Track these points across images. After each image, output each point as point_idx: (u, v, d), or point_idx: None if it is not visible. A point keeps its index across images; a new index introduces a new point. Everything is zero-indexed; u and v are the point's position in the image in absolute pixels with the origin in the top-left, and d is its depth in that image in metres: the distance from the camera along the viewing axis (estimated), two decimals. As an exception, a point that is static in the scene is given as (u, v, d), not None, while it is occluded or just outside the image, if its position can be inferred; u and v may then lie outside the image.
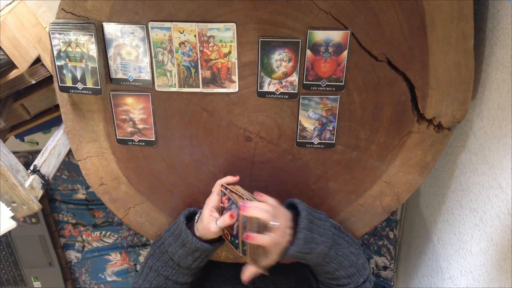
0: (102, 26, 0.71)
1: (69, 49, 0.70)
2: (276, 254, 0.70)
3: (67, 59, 0.71)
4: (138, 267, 1.39)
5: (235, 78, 0.74)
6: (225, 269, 0.93)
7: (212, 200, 0.77)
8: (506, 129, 0.65)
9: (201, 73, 0.74)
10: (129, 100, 0.77)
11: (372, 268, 1.28)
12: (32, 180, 0.81)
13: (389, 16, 0.68)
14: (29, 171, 0.82)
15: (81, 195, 1.27)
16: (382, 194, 0.82)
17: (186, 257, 0.78)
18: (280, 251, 0.70)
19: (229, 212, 0.71)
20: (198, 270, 0.83)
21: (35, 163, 0.84)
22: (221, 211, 0.76)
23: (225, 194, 0.74)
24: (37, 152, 0.94)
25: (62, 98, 0.78)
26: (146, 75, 0.74)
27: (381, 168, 0.80)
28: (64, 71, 0.72)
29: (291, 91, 0.74)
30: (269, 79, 0.74)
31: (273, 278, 0.89)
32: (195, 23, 0.70)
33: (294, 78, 0.73)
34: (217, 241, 0.80)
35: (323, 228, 0.74)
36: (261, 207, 0.68)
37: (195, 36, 0.71)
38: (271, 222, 0.68)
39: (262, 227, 0.69)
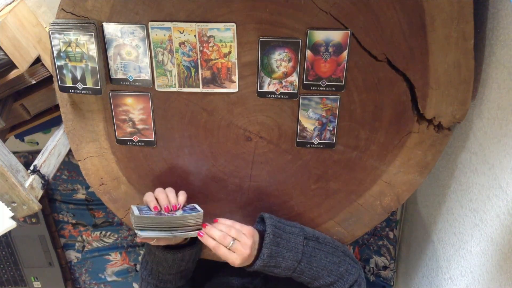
0: (102, 26, 0.71)
1: (69, 49, 0.70)
2: (237, 262, 0.72)
3: (67, 59, 0.71)
4: (138, 267, 1.39)
5: (235, 78, 0.74)
6: (226, 268, 0.94)
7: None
8: (506, 129, 0.65)
9: (201, 73, 0.74)
10: (129, 100, 0.77)
11: (372, 268, 1.28)
12: (32, 180, 0.81)
13: (389, 16, 0.68)
14: (29, 171, 0.82)
15: (81, 195, 1.27)
16: (382, 194, 0.82)
17: (161, 264, 0.79)
18: (242, 262, 0.72)
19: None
20: (187, 273, 0.84)
21: (35, 163, 0.84)
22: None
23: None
24: (37, 152, 0.94)
25: (62, 98, 0.78)
26: (146, 75, 0.74)
27: (381, 168, 0.80)
28: (64, 71, 0.72)
29: (291, 91, 0.74)
30: (269, 79, 0.74)
31: (273, 279, 0.89)
32: (195, 23, 0.70)
33: (294, 78, 0.73)
34: (189, 245, 0.81)
35: (293, 242, 0.76)
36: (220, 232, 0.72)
37: (195, 36, 0.71)
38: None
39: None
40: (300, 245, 0.76)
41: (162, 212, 0.74)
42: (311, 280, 0.78)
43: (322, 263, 0.77)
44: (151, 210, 0.74)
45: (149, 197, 0.76)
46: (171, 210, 0.74)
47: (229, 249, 0.71)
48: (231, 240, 0.71)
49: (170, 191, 0.77)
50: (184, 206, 0.77)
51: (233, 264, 0.72)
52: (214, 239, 0.72)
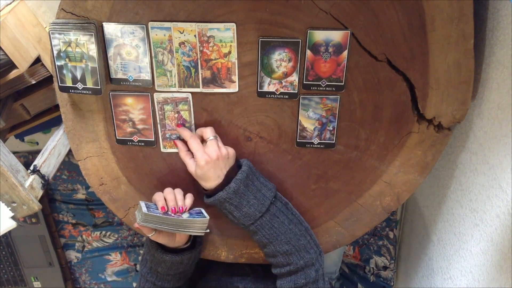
0: (102, 26, 0.71)
1: (69, 49, 0.70)
2: (202, 162, 0.72)
3: (67, 59, 0.71)
4: (138, 267, 1.39)
5: (235, 78, 0.74)
6: (217, 268, 0.94)
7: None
8: (506, 129, 0.65)
9: (201, 73, 0.74)
10: (129, 100, 0.77)
11: (372, 268, 1.28)
12: (32, 180, 0.81)
13: (389, 16, 0.68)
14: (29, 171, 0.82)
15: (81, 195, 1.27)
16: (382, 194, 0.82)
17: (159, 265, 0.79)
18: (200, 173, 0.72)
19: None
20: (185, 274, 0.84)
21: (35, 163, 0.84)
22: None
23: None
24: (37, 152, 0.94)
25: (62, 98, 0.78)
26: (146, 75, 0.74)
27: (381, 168, 0.80)
28: (64, 71, 0.72)
29: (291, 91, 0.74)
30: (269, 79, 0.74)
31: (263, 279, 0.89)
32: (195, 23, 0.70)
33: (294, 78, 0.73)
34: (188, 249, 0.81)
35: (262, 193, 0.74)
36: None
37: (195, 36, 0.71)
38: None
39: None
40: (268, 199, 0.74)
41: (169, 212, 0.74)
42: (267, 241, 0.75)
43: (284, 227, 0.75)
44: (158, 209, 0.74)
45: (158, 196, 0.76)
46: (178, 212, 0.74)
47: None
48: (211, 135, 0.73)
49: (178, 192, 0.77)
50: (190, 209, 0.77)
51: (197, 162, 0.72)
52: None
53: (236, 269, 0.91)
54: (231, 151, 0.75)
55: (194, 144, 0.73)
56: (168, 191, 0.77)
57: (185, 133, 0.76)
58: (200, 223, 0.74)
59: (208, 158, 0.71)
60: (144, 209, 0.72)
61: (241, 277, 0.89)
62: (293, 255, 0.75)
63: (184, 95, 0.75)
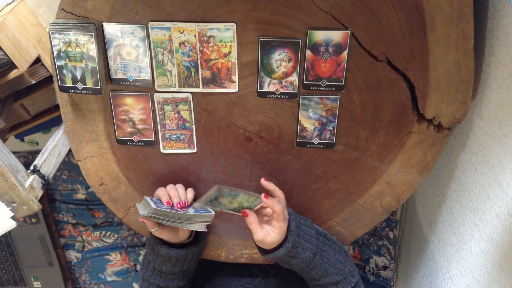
0: (102, 26, 0.71)
1: (69, 49, 0.70)
2: (279, 235, 0.71)
3: (67, 59, 0.71)
4: (138, 267, 1.39)
5: (235, 78, 0.74)
6: (225, 270, 0.94)
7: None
8: (506, 129, 0.65)
9: (201, 73, 0.74)
10: (129, 100, 0.77)
11: (372, 268, 1.28)
12: (32, 180, 0.81)
13: (389, 16, 0.68)
14: (29, 171, 0.82)
15: (81, 195, 1.27)
16: (382, 194, 0.82)
17: (164, 263, 0.79)
18: (270, 243, 0.72)
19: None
20: (188, 272, 0.84)
21: (35, 163, 0.84)
22: None
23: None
24: (37, 152, 0.94)
25: (62, 98, 0.78)
26: (146, 75, 0.74)
27: (381, 168, 0.80)
28: (64, 71, 0.72)
29: (291, 91, 0.74)
30: (269, 79, 0.74)
31: (273, 279, 0.89)
32: (195, 23, 0.70)
33: (294, 78, 0.73)
34: (192, 244, 0.81)
35: (308, 234, 0.76)
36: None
37: (195, 36, 0.71)
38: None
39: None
40: (314, 238, 0.76)
41: (175, 208, 0.75)
42: (319, 276, 0.77)
43: (331, 259, 0.77)
44: (163, 204, 0.75)
45: (162, 191, 0.78)
46: (183, 206, 0.76)
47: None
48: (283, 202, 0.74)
49: (180, 187, 0.79)
50: (192, 204, 0.79)
51: (278, 232, 0.71)
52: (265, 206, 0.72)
53: (245, 270, 0.92)
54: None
55: (281, 214, 0.71)
56: (170, 187, 0.78)
57: (277, 206, 0.72)
58: (206, 218, 0.75)
59: (287, 223, 0.72)
60: (153, 205, 0.72)
61: (251, 278, 0.90)
62: (341, 283, 0.78)
63: (184, 95, 0.75)
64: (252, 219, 0.72)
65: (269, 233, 0.72)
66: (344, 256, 0.79)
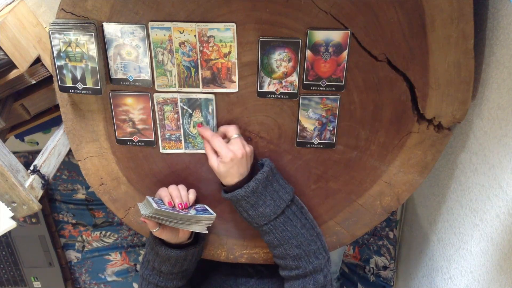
0: (102, 26, 0.71)
1: (69, 49, 0.70)
2: (227, 159, 0.72)
3: (67, 59, 0.71)
4: (138, 267, 1.39)
5: (235, 78, 0.74)
6: (220, 270, 0.94)
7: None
8: (506, 129, 0.65)
9: (201, 73, 0.74)
10: (129, 100, 0.77)
11: (372, 268, 1.28)
12: (32, 180, 0.81)
13: (389, 16, 0.68)
14: (29, 171, 0.82)
15: (81, 195, 1.27)
16: (382, 194, 0.82)
17: (164, 263, 0.79)
18: (224, 170, 0.72)
19: None
20: (188, 272, 0.84)
21: (35, 163, 0.84)
22: None
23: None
24: (37, 152, 0.94)
25: (62, 98, 0.78)
26: (146, 75, 0.74)
27: (381, 168, 0.80)
28: (64, 71, 0.72)
29: (291, 91, 0.74)
30: (269, 79, 0.74)
31: (268, 280, 0.89)
32: (195, 23, 0.70)
33: (294, 78, 0.73)
34: (191, 245, 0.81)
35: (279, 195, 0.75)
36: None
37: (195, 36, 0.71)
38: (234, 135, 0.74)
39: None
40: (284, 202, 0.75)
41: (176, 208, 0.75)
42: (278, 243, 0.76)
43: (296, 231, 0.75)
44: (165, 204, 0.76)
45: (163, 192, 0.78)
46: (184, 207, 0.76)
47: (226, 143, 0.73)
48: (235, 133, 0.74)
49: (182, 188, 0.79)
50: (194, 205, 0.79)
51: (223, 159, 0.71)
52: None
53: (240, 271, 0.92)
54: (251, 149, 0.76)
55: (218, 142, 0.73)
56: (173, 187, 0.78)
57: (207, 133, 0.75)
58: (207, 219, 0.76)
59: (233, 155, 0.71)
60: (155, 205, 0.73)
61: (245, 278, 0.90)
62: (302, 259, 0.76)
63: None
64: (205, 143, 0.75)
65: (218, 162, 0.73)
66: (312, 235, 0.77)
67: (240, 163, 0.72)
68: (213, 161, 0.74)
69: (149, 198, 0.76)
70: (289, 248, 0.76)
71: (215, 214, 0.77)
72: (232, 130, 0.75)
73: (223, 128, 0.76)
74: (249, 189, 0.72)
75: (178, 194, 0.77)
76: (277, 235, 0.75)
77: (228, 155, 0.71)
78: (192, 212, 0.76)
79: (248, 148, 0.74)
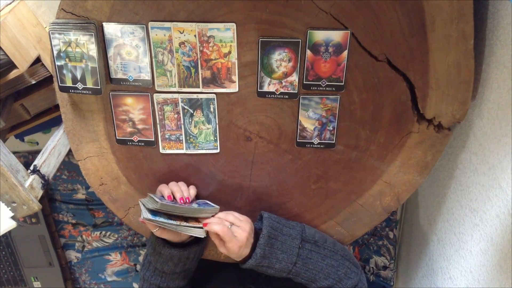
0: (102, 26, 0.71)
1: (69, 49, 0.70)
2: (236, 248, 0.73)
3: (67, 59, 0.71)
4: (138, 267, 1.39)
5: (235, 78, 0.74)
6: (227, 270, 0.94)
7: None
8: (506, 129, 0.65)
9: (201, 73, 0.74)
10: (129, 100, 0.77)
11: (372, 268, 1.28)
12: (32, 180, 0.81)
13: (389, 16, 0.68)
14: (29, 171, 0.82)
15: (81, 195, 1.27)
16: (382, 194, 0.82)
17: (166, 263, 0.79)
18: (236, 255, 0.74)
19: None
20: (189, 272, 0.84)
21: (35, 163, 0.84)
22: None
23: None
24: (37, 152, 0.94)
25: (62, 98, 0.78)
26: (146, 75, 0.74)
27: (381, 168, 0.80)
28: (64, 71, 0.72)
29: (291, 91, 0.74)
30: (269, 79, 0.74)
31: (276, 279, 0.89)
32: (195, 23, 0.70)
33: (294, 78, 0.73)
34: (195, 243, 0.81)
35: (288, 245, 0.76)
36: (222, 222, 0.74)
37: (195, 36, 0.71)
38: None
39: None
40: (295, 248, 0.76)
41: (178, 202, 0.76)
42: (307, 282, 0.78)
43: (319, 265, 0.77)
44: (165, 200, 0.76)
45: (163, 187, 0.79)
46: (186, 202, 0.77)
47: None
48: (228, 224, 0.73)
49: (182, 184, 0.80)
50: (195, 200, 0.80)
51: (231, 250, 0.72)
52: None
53: (247, 271, 0.92)
54: (251, 226, 0.76)
55: (226, 236, 0.72)
56: (173, 183, 0.79)
57: (214, 228, 0.73)
58: (210, 212, 0.76)
59: (240, 243, 0.72)
60: (158, 200, 0.73)
61: (252, 278, 0.90)
62: (335, 286, 0.78)
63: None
64: (213, 238, 0.74)
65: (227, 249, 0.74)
66: (337, 260, 0.79)
67: (247, 243, 0.74)
68: (222, 250, 0.75)
69: (151, 195, 0.76)
70: (319, 282, 0.78)
71: (218, 207, 0.77)
72: (227, 218, 0.75)
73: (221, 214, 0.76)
74: (258, 256, 0.74)
75: (179, 189, 0.78)
76: (303, 277, 0.77)
77: (237, 246, 0.72)
78: (194, 205, 0.76)
79: (249, 226, 0.74)
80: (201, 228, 0.75)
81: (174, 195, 0.77)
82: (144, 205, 0.76)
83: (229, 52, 0.72)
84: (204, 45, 0.72)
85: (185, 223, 0.74)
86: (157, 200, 0.73)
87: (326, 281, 0.77)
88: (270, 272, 0.77)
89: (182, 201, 0.76)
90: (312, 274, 0.77)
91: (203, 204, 0.79)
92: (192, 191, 0.80)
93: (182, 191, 0.78)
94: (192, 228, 0.74)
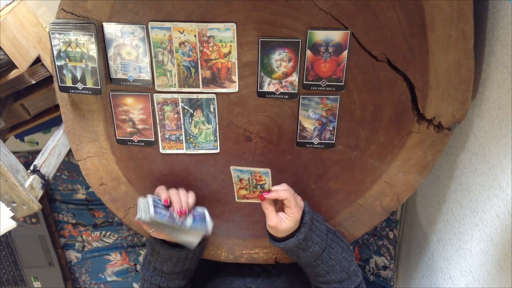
0: (102, 26, 0.71)
1: (69, 49, 0.70)
2: (290, 224, 0.72)
3: (67, 59, 0.71)
4: (138, 267, 1.39)
5: (235, 78, 0.74)
6: (227, 269, 0.94)
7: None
8: (506, 129, 0.65)
9: (201, 73, 0.74)
10: (129, 100, 0.77)
11: (372, 268, 1.28)
12: (32, 180, 0.81)
13: (389, 16, 0.68)
14: (29, 171, 0.82)
15: (81, 195, 1.27)
16: (382, 194, 0.82)
17: (165, 263, 0.79)
18: (292, 226, 0.72)
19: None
20: (189, 272, 0.84)
21: (35, 163, 0.84)
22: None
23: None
24: (37, 152, 0.94)
25: (62, 98, 0.78)
26: (146, 75, 0.74)
27: (381, 168, 0.80)
28: (64, 71, 0.72)
29: (291, 91, 0.74)
30: (269, 79, 0.74)
31: (275, 280, 0.89)
32: (195, 23, 0.70)
33: (294, 78, 0.73)
34: None
35: (319, 229, 0.76)
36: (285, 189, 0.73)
37: (195, 36, 0.71)
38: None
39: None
40: (324, 234, 0.76)
41: (174, 214, 0.74)
42: (325, 272, 0.77)
43: (339, 257, 0.77)
44: (162, 204, 0.75)
45: (162, 190, 0.77)
46: (183, 214, 0.75)
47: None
48: (293, 191, 0.73)
49: (182, 193, 0.77)
50: (193, 208, 0.79)
51: (293, 217, 0.71)
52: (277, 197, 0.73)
53: (247, 270, 0.92)
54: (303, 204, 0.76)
55: (293, 200, 0.71)
56: (173, 192, 0.77)
57: (282, 194, 0.72)
58: (199, 234, 0.76)
59: (299, 215, 0.72)
60: (152, 212, 0.72)
61: (253, 277, 0.90)
62: (346, 281, 0.78)
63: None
64: (267, 204, 0.73)
65: (282, 220, 0.72)
66: (350, 255, 0.80)
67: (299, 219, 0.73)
68: (275, 221, 0.72)
69: (149, 200, 0.75)
70: (334, 274, 0.77)
71: (210, 226, 0.76)
72: (288, 187, 0.74)
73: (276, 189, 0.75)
74: (302, 236, 0.73)
75: (178, 200, 0.76)
76: (324, 266, 0.77)
77: (300, 212, 0.72)
78: (189, 220, 0.75)
79: (302, 203, 0.75)
80: (196, 238, 0.75)
81: (173, 205, 0.75)
82: (138, 207, 0.75)
83: (229, 52, 0.72)
84: (204, 45, 0.72)
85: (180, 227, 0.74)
86: (151, 211, 0.72)
87: (341, 274, 0.77)
88: (301, 255, 0.75)
89: (179, 212, 0.74)
90: (332, 264, 0.76)
91: (199, 219, 0.77)
92: (191, 200, 0.77)
93: (181, 201, 0.76)
94: (184, 238, 0.74)
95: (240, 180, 0.77)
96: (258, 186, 0.75)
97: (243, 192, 0.78)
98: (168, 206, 0.75)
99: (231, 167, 0.75)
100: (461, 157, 0.81)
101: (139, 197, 0.78)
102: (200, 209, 0.80)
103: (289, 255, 0.77)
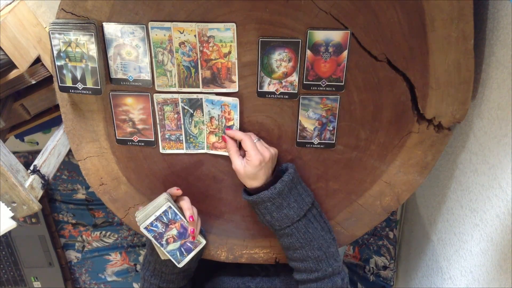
0: (102, 26, 0.71)
1: (69, 49, 0.70)
2: (256, 162, 0.72)
3: (67, 59, 0.71)
4: (138, 267, 1.39)
5: (235, 78, 0.74)
6: (226, 268, 0.94)
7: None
8: (506, 129, 0.65)
9: (201, 73, 0.74)
10: (129, 100, 0.77)
11: (372, 268, 1.28)
12: (32, 180, 0.81)
13: (389, 16, 0.68)
14: (29, 171, 0.82)
15: (81, 195, 1.27)
16: (382, 194, 0.82)
17: (165, 263, 0.80)
18: (251, 173, 0.72)
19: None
20: (189, 272, 0.84)
21: (35, 163, 0.84)
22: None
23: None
24: (37, 152, 0.94)
25: (62, 98, 0.78)
26: (146, 75, 0.74)
27: (381, 168, 0.80)
28: (64, 71, 0.72)
29: (291, 91, 0.74)
30: (269, 79, 0.74)
31: (274, 279, 0.89)
32: (195, 23, 0.70)
33: (294, 78, 0.73)
34: None
35: (302, 197, 0.75)
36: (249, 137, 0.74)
37: (195, 36, 0.71)
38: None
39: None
40: (307, 205, 0.75)
41: (162, 242, 0.75)
42: (299, 245, 0.76)
43: (317, 233, 0.76)
44: (168, 218, 0.74)
45: (187, 202, 0.76)
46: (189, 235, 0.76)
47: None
48: (256, 138, 0.74)
49: (187, 208, 0.76)
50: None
51: (251, 163, 0.71)
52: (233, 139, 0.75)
53: (246, 269, 0.92)
54: (276, 151, 0.77)
55: (249, 143, 0.73)
56: (193, 212, 0.77)
57: (238, 134, 0.75)
58: (194, 255, 0.78)
59: (262, 158, 0.72)
60: (147, 223, 0.73)
61: (252, 276, 0.90)
62: (323, 262, 0.76)
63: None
64: (230, 145, 0.75)
65: (244, 165, 0.73)
66: (331, 239, 0.78)
67: (266, 166, 0.73)
68: (238, 164, 0.74)
69: (159, 211, 0.73)
70: (310, 250, 0.75)
71: (183, 263, 0.76)
72: (252, 135, 0.76)
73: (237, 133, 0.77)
74: (276, 191, 0.72)
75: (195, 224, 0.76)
76: (299, 237, 0.75)
77: (258, 158, 0.71)
78: (170, 247, 0.75)
79: (273, 151, 0.75)
80: (182, 257, 0.76)
81: (185, 213, 0.75)
82: (138, 212, 0.76)
83: (229, 52, 0.72)
84: (204, 45, 0.72)
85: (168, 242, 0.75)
86: (146, 222, 0.72)
87: (316, 252, 0.75)
88: (273, 215, 0.74)
89: (192, 232, 0.75)
90: (308, 239, 0.75)
91: (182, 251, 0.77)
92: (198, 227, 0.77)
93: (197, 226, 0.76)
94: (171, 256, 0.75)
95: (211, 119, 0.76)
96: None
97: (213, 138, 0.78)
98: (174, 222, 0.75)
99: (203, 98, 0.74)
100: (461, 157, 0.81)
101: (161, 195, 0.76)
102: (190, 244, 0.78)
103: (262, 215, 0.75)
